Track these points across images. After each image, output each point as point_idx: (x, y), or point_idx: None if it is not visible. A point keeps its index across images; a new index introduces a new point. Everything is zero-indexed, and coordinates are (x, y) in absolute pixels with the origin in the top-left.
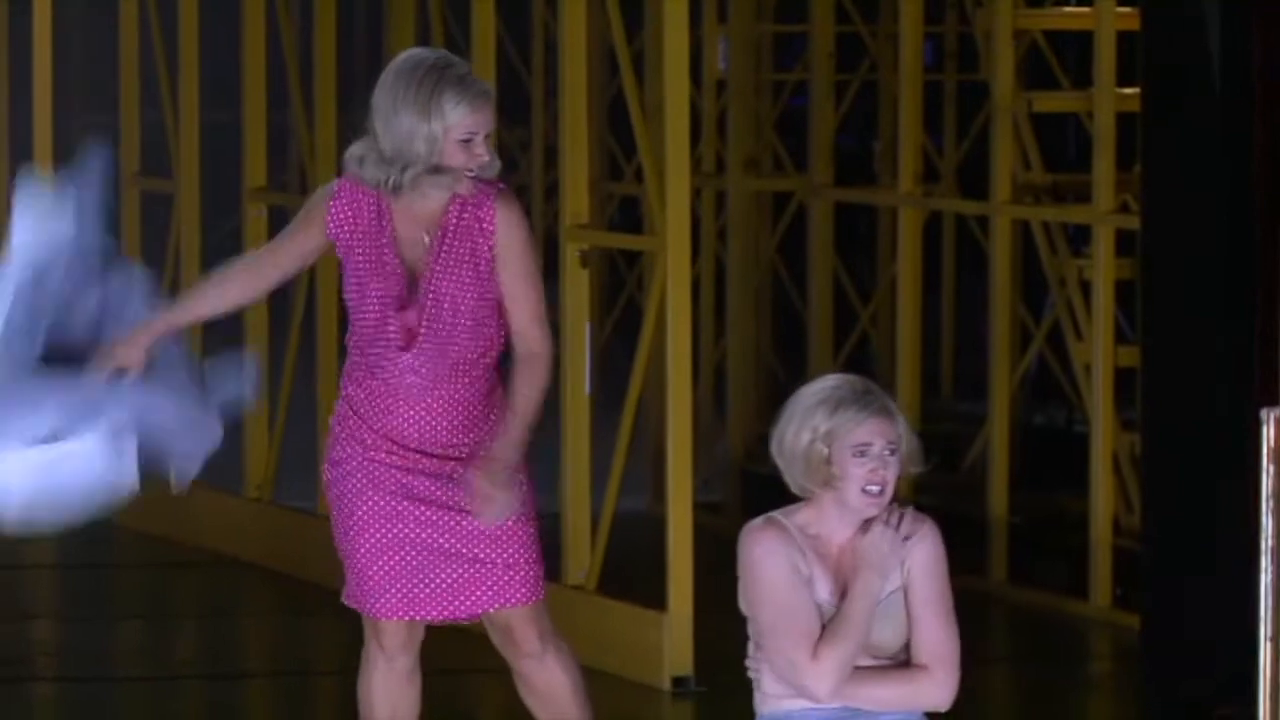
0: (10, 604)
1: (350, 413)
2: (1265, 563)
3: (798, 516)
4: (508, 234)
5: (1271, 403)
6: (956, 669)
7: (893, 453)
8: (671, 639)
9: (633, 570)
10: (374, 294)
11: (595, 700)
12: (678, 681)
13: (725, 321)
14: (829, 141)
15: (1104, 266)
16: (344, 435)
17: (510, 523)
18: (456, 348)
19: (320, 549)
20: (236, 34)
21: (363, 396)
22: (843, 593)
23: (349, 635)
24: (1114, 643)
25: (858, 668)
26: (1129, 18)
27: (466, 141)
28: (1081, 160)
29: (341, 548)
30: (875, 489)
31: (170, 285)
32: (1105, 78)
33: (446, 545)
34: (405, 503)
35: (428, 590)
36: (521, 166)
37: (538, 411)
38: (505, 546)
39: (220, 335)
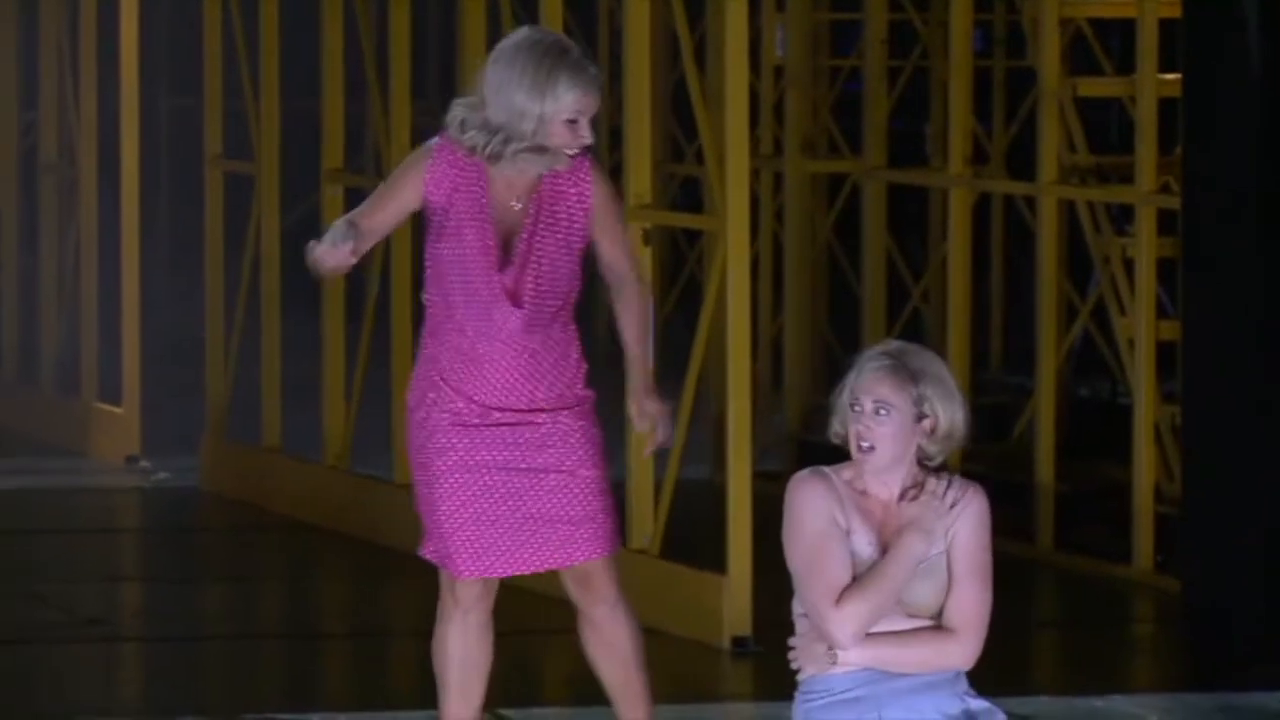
0: (100, 566)
1: (435, 374)
2: None
3: (845, 472)
4: (603, 194)
5: None
6: (982, 634)
7: (883, 413)
8: (731, 601)
9: (694, 535)
10: (475, 254)
11: (658, 659)
12: (737, 641)
13: (782, 298)
14: (882, 125)
15: (1146, 245)
16: (428, 396)
17: (585, 476)
18: (551, 305)
19: (394, 515)
20: (315, 23)
21: (448, 357)
22: (884, 548)
23: (423, 598)
24: (1155, 605)
25: (887, 633)
26: (1171, 6)
27: (572, 122)
28: (1124, 143)
29: (423, 504)
30: (864, 444)
31: (251, 262)
32: (1147, 64)
33: (527, 508)
34: (488, 471)
35: (508, 548)
36: None
37: (649, 333)
38: (584, 501)
39: (293, 315)
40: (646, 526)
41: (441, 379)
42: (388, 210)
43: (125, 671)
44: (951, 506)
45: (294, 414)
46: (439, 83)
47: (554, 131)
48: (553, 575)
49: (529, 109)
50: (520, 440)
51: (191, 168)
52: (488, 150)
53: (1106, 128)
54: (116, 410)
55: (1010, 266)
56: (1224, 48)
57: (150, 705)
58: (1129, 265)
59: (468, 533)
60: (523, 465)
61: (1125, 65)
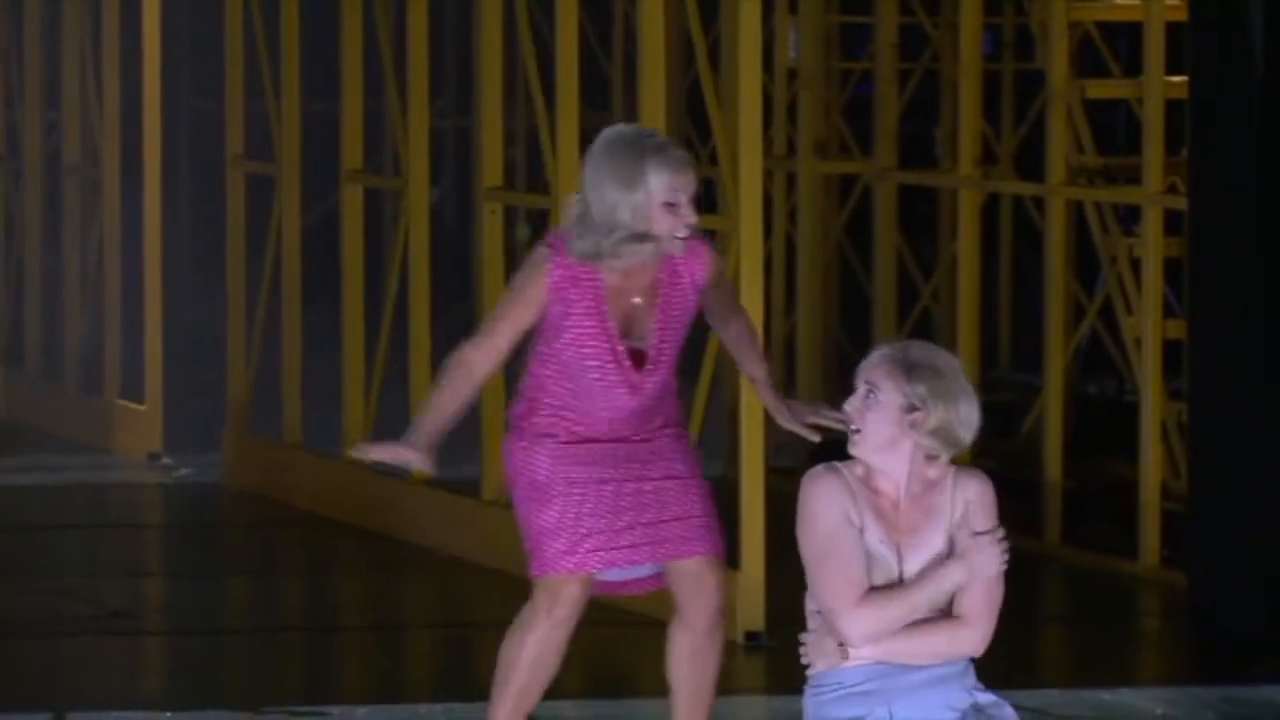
0: (124, 561)
1: (542, 405)
2: None
3: (858, 468)
4: (718, 271)
5: None
6: (993, 621)
7: (870, 396)
8: (744, 596)
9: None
10: (592, 354)
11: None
12: (750, 636)
13: (795, 297)
14: (893, 127)
15: (1153, 245)
16: (532, 423)
17: (694, 483)
18: (665, 378)
19: (412, 510)
20: (334, 25)
21: (557, 398)
22: (896, 545)
23: (439, 592)
24: (1161, 600)
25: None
26: (1177, 9)
27: (672, 205)
28: (1131, 144)
29: (527, 522)
30: (852, 426)
31: (272, 261)
32: (1154, 66)
33: (636, 515)
34: (597, 485)
35: (618, 546)
36: None
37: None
38: (696, 502)
39: (313, 312)
40: None
41: (549, 410)
42: (511, 333)
43: (149, 664)
44: (1005, 556)
45: (314, 410)
46: (456, 83)
47: (654, 218)
48: None
49: (623, 201)
50: (626, 456)
51: (213, 169)
52: (591, 253)
53: (1114, 129)
54: (139, 407)
55: (1019, 266)
56: (1229, 51)
57: (173, 697)
58: (1136, 265)
59: (574, 533)
60: (632, 476)
61: (1132, 68)
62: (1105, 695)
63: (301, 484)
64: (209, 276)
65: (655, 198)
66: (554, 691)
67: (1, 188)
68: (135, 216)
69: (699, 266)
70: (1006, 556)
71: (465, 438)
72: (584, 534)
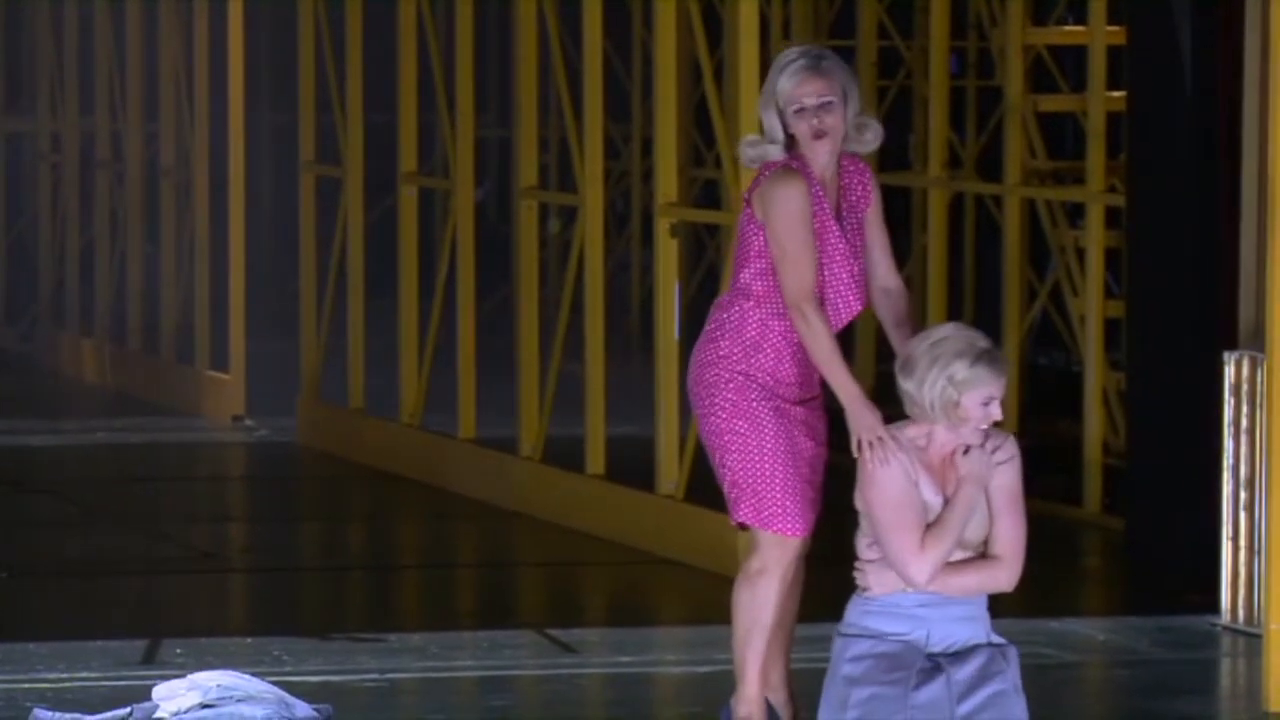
0: (211, 508)
1: (752, 359)
2: (1226, 477)
3: (909, 430)
4: (877, 197)
5: (1231, 347)
6: (1022, 559)
7: (990, 403)
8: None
9: (713, 482)
10: (834, 247)
11: (683, 588)
12: None
13: None
14: None
15: (1096, 236)
16: (739, 376)
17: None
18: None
19: (459, 466)
20: (393, 49)
21: (771, 348)
22: (945, 494)
23: (482, 536)
24: (1102, 542)
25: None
26: (1117, 34)
27: (801, 110)
28: (1078, 150)
29: (741, 472)
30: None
31: (339, 252)
32: (1097, 83)
33: (818, 477)
34: (802, 440)
35: (813, 508)
36: (623, 155)
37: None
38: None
39: (374, 295)
40: (672, 474)
41: (759, 364)
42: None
43: (233, 597)
44: (994, 452)
45: (375, 380)
46: (498, 98)
47: (791, 124)
48: (599, 513)
49: (766, 110)
50: (812, 418)
51: (287, 172)
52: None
53: (1063, 137)
54: (225, 377)
55: (981, 255)
56: (1162, 70)
57: (254, 626)
58: (1081, 254)
59: (798, 495)
60: (818, 439)
61: (1078, 84)
62: (1054, 624)
63: (364, 443)
64: (285, 265)
65: (788, 106)
66: (578, 620)
67: (107, 188)
68: (222, 213)
69: (868, 178)
70: (999, 460)
71: (505, 400)
72: (801, 495)
